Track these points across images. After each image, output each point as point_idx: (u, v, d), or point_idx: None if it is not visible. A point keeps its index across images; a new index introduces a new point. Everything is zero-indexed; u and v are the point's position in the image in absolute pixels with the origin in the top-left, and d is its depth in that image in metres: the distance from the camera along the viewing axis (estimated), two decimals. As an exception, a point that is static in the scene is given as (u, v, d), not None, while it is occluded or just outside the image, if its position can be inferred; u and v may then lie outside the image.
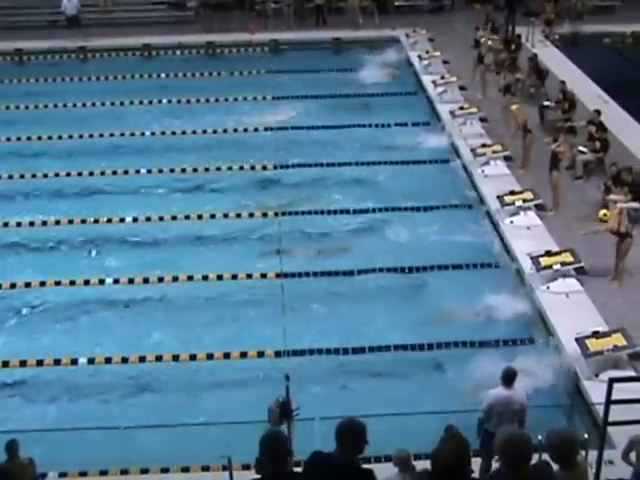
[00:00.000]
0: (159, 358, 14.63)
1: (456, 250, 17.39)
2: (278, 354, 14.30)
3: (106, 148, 22.96)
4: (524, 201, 18.14)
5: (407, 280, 16.75)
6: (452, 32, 31.22)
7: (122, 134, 23.58)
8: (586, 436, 10.72)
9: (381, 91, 26.16)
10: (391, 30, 31.39)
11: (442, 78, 25.67)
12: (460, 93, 25.11)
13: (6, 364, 14.69)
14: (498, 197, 18.50)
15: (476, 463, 10.35)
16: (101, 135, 23.52)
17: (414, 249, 17.60)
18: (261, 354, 14.60)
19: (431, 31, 30.67)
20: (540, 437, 9.28)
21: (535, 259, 15.95)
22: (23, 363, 14.64)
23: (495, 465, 9.64)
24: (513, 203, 18.11)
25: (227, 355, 14.65)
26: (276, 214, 18.20)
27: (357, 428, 6.57)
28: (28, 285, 16.73)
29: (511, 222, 17.86)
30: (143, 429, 12.91)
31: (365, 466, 6.63)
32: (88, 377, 14.53)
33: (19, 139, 23.53)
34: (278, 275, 16.19)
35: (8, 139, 23.55)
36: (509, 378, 11.01)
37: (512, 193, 18.44)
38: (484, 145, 21.03)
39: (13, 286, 16.76)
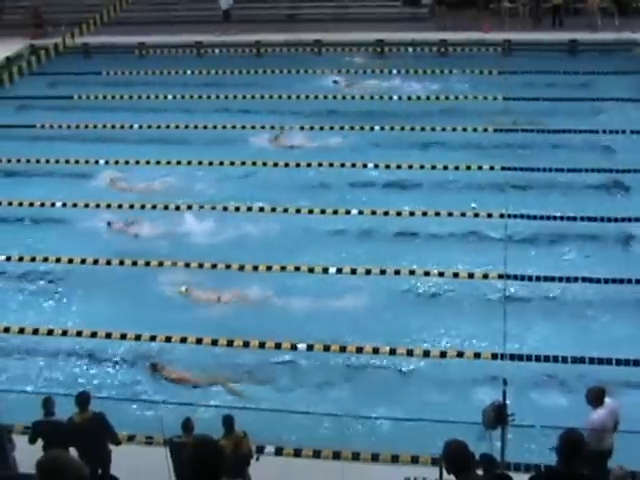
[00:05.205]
0: (375, 350, 14.95)
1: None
2: (495, 356, 14.23)
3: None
4: None
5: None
6: (697, 36, 29.71)
7: (351, 127, 24.09)
8: None
9: (617, 96, 25.26)
10: (631, 33, 30.20)
11: (683, 84, 24.55)
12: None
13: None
14: None
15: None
16: (331, 128, 24.12)
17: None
18: (477, 355, 14.60)
19: (675, 35, 29.33)
20: None
21: None
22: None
23: None
24: None
25: (443, 354, 14.75)
26: (502, 216, 18.06)
27: (576, 439, 6.93)
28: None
29: None
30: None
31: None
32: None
33: (253, 127, 24.43)
34: (501, 276, 16.08)
35: (243, 127, 24.54)
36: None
37: None
38: None
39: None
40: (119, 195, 20.97)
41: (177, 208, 19.98)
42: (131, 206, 20.30)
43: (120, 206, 20.34)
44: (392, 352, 14.82)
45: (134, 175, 22.04)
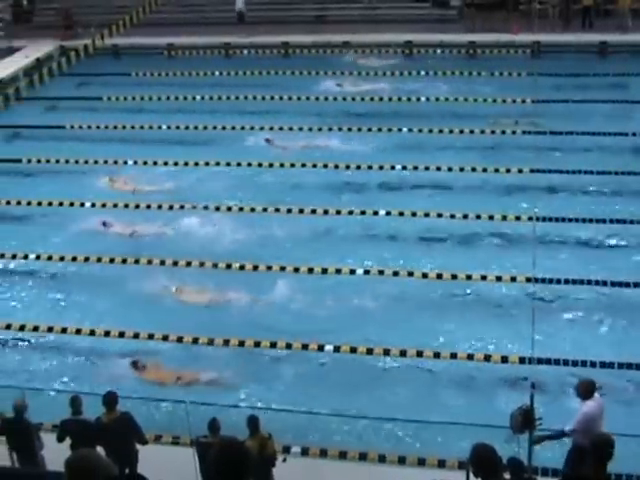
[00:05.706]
0: (402, 352, 14.90)
1: None
2: (523, 360, 14.15)
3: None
4: None
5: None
6: None
7: (379, 129, 24.12)
8: None
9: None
10: (662, 34, 29.95)
11: None
12: None
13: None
14: None
15: None
16: (359, 129, 24.10)
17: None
18: (505, 359, 14.50)
19: None
20: None
21: None
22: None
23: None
24: None
25: (470, 356, 14.68)
26: (530, 218, 17.96)
27: (606, 441, 7.26)
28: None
29: None
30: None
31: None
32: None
33: (281, 129, 24.47)
34: (529, 279, 15.98)
35: (271, 128, 24.54)
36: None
37: None
38: None
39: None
40: (145, 196, 21.02)
41: (205, 208, 20.01)
42: (159, 206, 20.36)
43: (149, 206, 20.40)
44: (419, 354, 14.74)
45: (160, 175, 22.11)
